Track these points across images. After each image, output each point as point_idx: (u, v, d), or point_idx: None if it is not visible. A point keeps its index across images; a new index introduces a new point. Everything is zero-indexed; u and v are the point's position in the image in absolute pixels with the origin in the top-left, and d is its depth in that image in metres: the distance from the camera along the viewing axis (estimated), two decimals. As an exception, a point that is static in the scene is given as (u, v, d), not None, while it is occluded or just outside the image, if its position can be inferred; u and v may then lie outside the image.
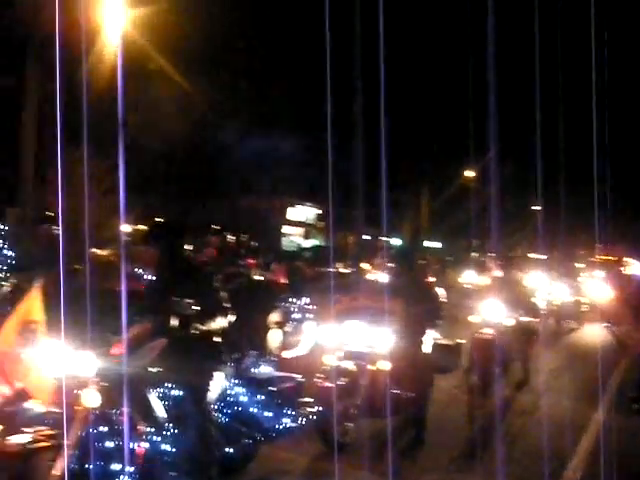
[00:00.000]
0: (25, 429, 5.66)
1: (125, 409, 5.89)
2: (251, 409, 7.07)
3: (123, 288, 6.23)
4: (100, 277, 8.16)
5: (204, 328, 6.46)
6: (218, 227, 23.29)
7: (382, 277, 10.02)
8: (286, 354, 9.02)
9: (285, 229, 42.24)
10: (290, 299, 10.12)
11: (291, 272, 16.09)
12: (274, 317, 8.52)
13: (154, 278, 7.15)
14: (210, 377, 6.54)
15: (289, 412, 7.38)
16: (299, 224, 43.45)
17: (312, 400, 7.80)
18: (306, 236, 42.76)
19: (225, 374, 6.77)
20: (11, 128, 24.38)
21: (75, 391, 5.69)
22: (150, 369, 6.25)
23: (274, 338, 8.38)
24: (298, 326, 9.95)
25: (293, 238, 42.12)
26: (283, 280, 14.34)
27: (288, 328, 9.34)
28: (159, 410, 6.24)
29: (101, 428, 5.81)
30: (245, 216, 32.94)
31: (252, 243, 23.89)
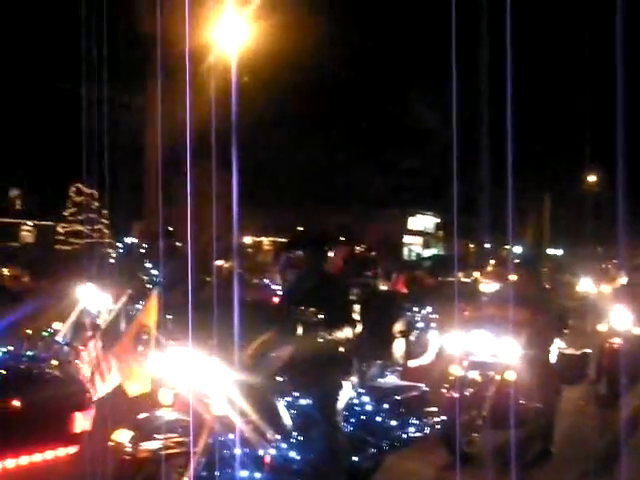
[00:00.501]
0: (156, 435, 5.78)
1: (253, 417, 5.97)
2: (377, 418, 7.04)
3: (235, 296, 6.33)
4: (228, 288, 8.35)
5: (331, 337, 6.47)
6: (343, 237, 23.36)
7: (506, 285, 9.86)
8: (411, 363, 9.00)
9: (405, 238, 42.21)
10: (414, 308, 10.11)
11: (411, 281, 16.07)
12: (399, 326, 8.50)
13: (286, 287, 7.28)
14: (338, 386, 6.54)
15: (414, 422, 7.33)
16: (419, 233, 43.36)
17: (437, 410, 7.71)
18: (426, 245, 42.66)
19: (352, 383, 6.75)
20: (136, 145, 25.22)
21: (204, 399, 5.79)
22: (277, 377, 6.32)
23: (399, 347, 8.36)
24: (422, 335, 9.92)
25: (413, 247, 42.09)
26: (403, 289, 14.33)
27: (412, 337, 9.32)
28: (286, 418, 6.28)
29: (229, 436, 5.88)
30: (365, 226, 33.07)
31: (372, 253, 23.89)
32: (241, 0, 19.76)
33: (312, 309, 6.32)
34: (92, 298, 11.88)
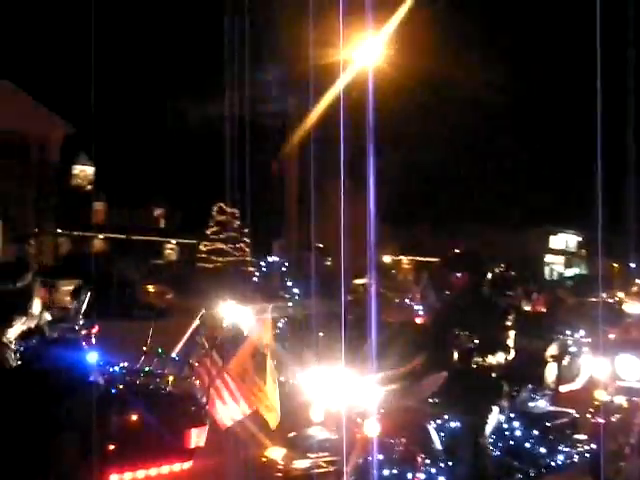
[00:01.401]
0: (308, 454, 5.82)
1: (404, 439, 5.95)
2: (525, 444, 6.92)
3: (373, 316, 6.27)
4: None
5: (485, 362, 6.39)
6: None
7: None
8: (562, 388, 8.76)
9: (547, 257, 41.38)
10: (567, 331, 9.86)
11: (552, 301, 15.66)
12: (551, 350, 8.28)
13: (435, 308, 7.21)
14: (488, 411, 6.48)
15: (563, 449, 7.17)
16: (560, 252, 42.38)
17: (586, 437, 7.50)
18: (568, 264, 41.63)
19: (502, 408, 6.66)
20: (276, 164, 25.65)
21: (356, 419, 5.77)
22: (429, 401, 6.27)
23: (550, 371, 8.14)
24: (574, 359, 9.63)
25: (555, 266, 41.18)
26: (542, 309, 14.00)
27: (565, 361, 9.07)
28: (436, 442, 6.22)
29: (380, 457, 5.84)
30: (504, 245, 32.59)
31: (511, 272, 23.48)
32: (384, 19, 19.87)
33: (466, 333, 6.24)
34: (233, 315, 12.15)
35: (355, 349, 6.06)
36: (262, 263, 13.68)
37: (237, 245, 41.18)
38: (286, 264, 13.10)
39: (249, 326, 6.91)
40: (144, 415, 5.33)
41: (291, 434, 6.03)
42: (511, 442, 6.83)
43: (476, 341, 6.26)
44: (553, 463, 7.04)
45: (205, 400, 5.84)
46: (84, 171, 46.10)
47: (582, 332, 10.39)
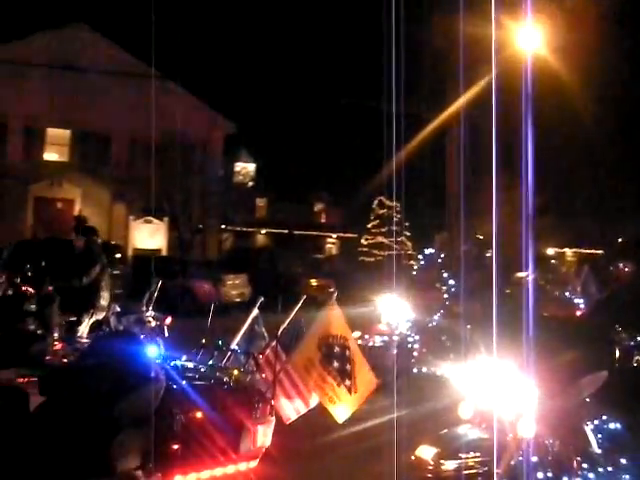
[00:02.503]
0: (459, 454, 5.62)
1: (561, 441, 5.63)
2: None
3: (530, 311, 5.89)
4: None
5: None
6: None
7: None
8: None
9: None
10: None
11: None
12: None
13: (593, 302, 6.78)
14: None
15: None
16: None
17: None
18: None
19: None
20: (436, 157, 25.29)
21: (508, 418, 5.52)
22: (587, 401, 5.91)
23: None
24: None
25: None
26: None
27: None
28: (594, 445, 5.85)
29: (533, 459, 5.54)
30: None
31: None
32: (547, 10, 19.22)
33: (629, 330, 5.81)
34: (392, 308, 12.02)
35: (509, 344, 5.69)
36: (419, 256, 13.44)
37: (398, 239, 40.97)
38: (442, 256, 12.78)
39: (315, 317, 6.62)
40: (208, 412, 5.10)
41: (441, 432, 5.83)
42: None
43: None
44: None
45: (271, 395, 5.60)
46: (246, 168, 46.96)
47: None
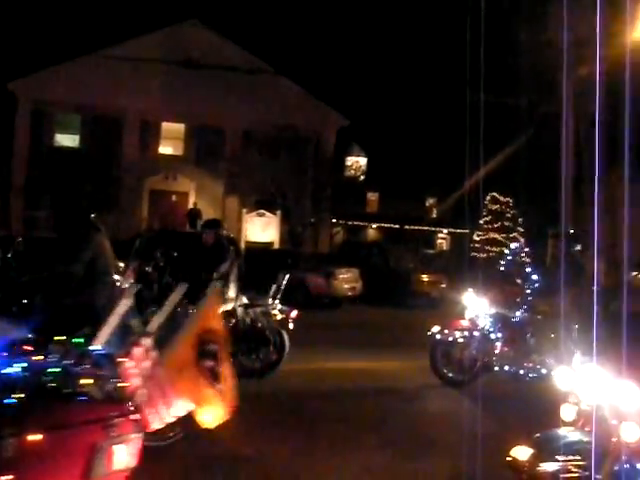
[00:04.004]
0: (557, 457, 5.36)
1: None
2: None
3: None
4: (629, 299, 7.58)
5: None
6: None
7: None
8: None
9: None
10: None
11: None
12: None
13: None
14: None
15: None
16: None
17: None
18: None
19: None
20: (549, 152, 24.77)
21: (612, 420, 5.27)
22: None
23: None
24: None
25: None
26: None
27: None
28: None
29: (638, 465, 5.26)
30: None
31: None
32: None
33: None
34: (474, 303, 11.81)
35: (610, 344, 5.48)
36: (505, 251, 13.15)
37: (511, 235, 40.33)
38: (526, 250, 12.41)
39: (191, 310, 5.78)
40: (49, 432, 4.08)
41: (539, 433, 5.57)
42: None
43: None
44: None
45: (135, 405, 4.74)
46: (357, 162, 47.07)
47: None
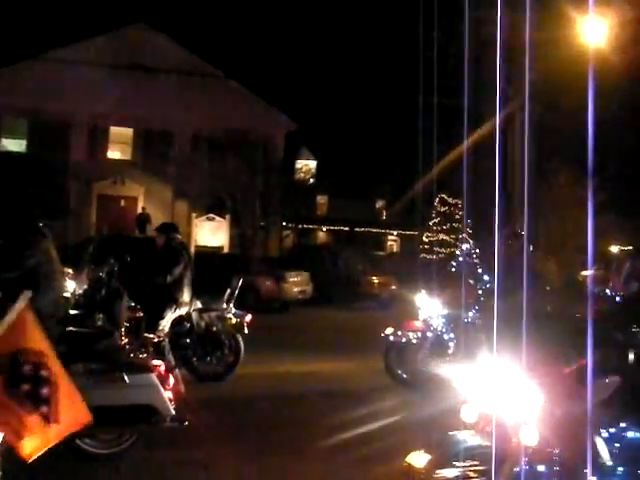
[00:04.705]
0: (455, 462, 5.12)
1: (567, 449, 5.18)
2: None
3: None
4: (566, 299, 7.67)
5: None
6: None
7: None
8: None
9: None
10: None
11: None
12: None
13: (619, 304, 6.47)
14: None
15: None
16: None
17: None
18: None
19: None
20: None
21: (512, 423, 5.08)
22: (601, 407, 5.37)
23: None
24: None
25: None
26: None
27: None
28: (606, 455, 5.38)
29: (538, 468, 5.12)
30: None
31: None
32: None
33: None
34: (425, 304, 11.91)
35: (512, 344, 5.21)
36: (457, 252, 13.22)
37: (460, 236, 40.73)
38: (477, 251, 12.48)
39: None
40: None
41: (437, 438, 5.34)
42: None
43: None
44: None
45: None
46: (307, 165, 47.16)
47: None
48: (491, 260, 11.67)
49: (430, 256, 40.61)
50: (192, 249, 33.76)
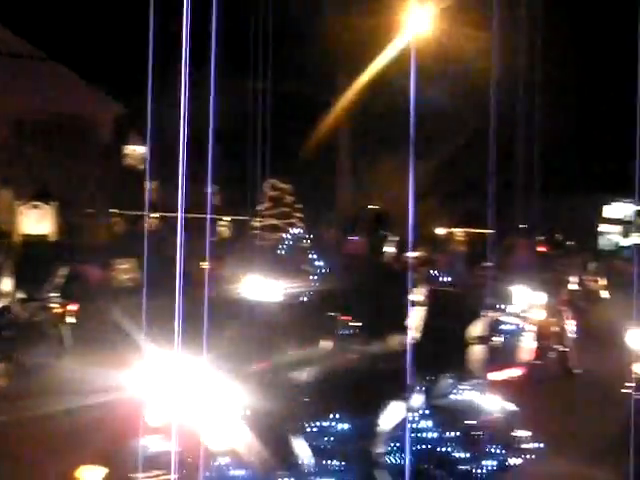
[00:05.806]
0: (131, 475, 4.74)
1: (259, 450, 4.95)
2: (442, 448, 5.78)
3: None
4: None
5: (371, 351, 5.50)
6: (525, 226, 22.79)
7: None
8: (492, 376, 7.19)
9: (602, 227, 40.96)
10: (500, 306, 8.51)
11: (609, 271, 15.38)
12: (475, 331, 6.99)
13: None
14: (383, 409, 5.41)
15: (495, 451, 6.02)
16: (617, 222, 41.82)
17: (529, 436, 6.34)
18: (625, 234, 41.07)
19: (406, 404, 5.51)
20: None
21: (198, 425, 4.75)
22: (297, 401, 5.21)
23: (476, 357, 6.86)
24: (512, 340, 8.30)
25: (611, 237, 40.75)
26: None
27: (498, 343, 7.81)
28: (305, 453, 5.17)
29: (231, 472, 4.89)
30: (560, 215, 32.19)
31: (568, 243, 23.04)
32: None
33: (344, 317, 5.36)
34: (256, 289, 12.01)
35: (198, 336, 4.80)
36: (286, 236, 13.31)
37: (290, 221, 41.12)
38: (307, 237, 12.66)
39: None
40: None
41: (113, 447, 4.97)
42: (426, 446, 5.69)
43: (359, 324, 5.45)
44: (483, 470, 5.91)
45: None
46: (136, 151, 46.36)
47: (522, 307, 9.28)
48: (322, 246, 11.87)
49: (262, 241, 40.81)
50: (17, 238, 32.66)
